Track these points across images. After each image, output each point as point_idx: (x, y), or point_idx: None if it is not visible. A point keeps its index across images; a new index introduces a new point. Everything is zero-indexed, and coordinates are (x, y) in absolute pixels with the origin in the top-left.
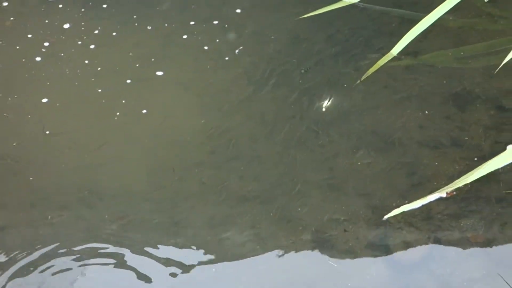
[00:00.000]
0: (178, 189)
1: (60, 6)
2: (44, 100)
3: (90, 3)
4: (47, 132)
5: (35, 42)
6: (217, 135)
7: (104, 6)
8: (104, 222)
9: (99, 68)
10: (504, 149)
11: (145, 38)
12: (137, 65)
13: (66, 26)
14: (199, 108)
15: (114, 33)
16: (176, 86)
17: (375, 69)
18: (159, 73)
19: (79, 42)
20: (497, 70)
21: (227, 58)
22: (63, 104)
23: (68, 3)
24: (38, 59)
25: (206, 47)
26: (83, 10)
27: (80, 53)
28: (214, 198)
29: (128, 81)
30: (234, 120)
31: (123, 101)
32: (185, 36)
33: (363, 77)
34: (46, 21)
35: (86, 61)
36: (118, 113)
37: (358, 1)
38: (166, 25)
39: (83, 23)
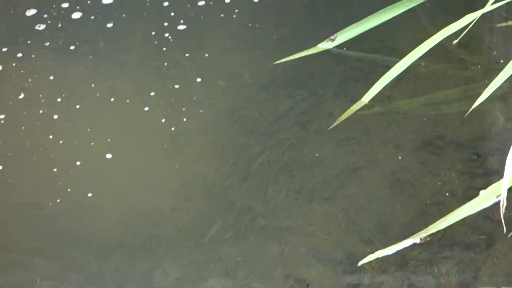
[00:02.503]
0: (153, 235)
1: None
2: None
3: None
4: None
5: None
6: (192, 180)
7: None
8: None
9: (56, 117)
10: (477, 194)
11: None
12: (111, 105)
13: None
14: (172, 154)
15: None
16: (152, 129)
17: (346, 116)
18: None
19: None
20: (466, 114)
21: (201, 101)
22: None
23: None
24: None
25: (181, 88)
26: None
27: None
28: (190, 245)
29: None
30: (209, 165)
31: (91, 145)
32: (159, 79)
33: (335, 124)
34: None
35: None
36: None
37: (331, 47)
38: (140, 67)
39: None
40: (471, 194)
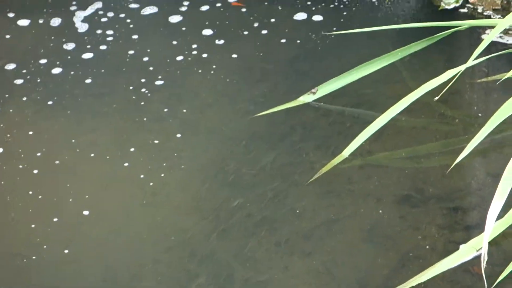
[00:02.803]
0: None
1: None
2: None
3: None
4: None
5: None
6: (173, 233)
7: None
8: None
9: (35, 171)
10: (457, 248)
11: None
12: (91, 160)
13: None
14: (154, 207)
15: None
16: (132, 184)
17: (327, 169)
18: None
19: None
20: (449, 170)
21: (182, 156)
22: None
23: None
24: None
25: (161, 143)
26: None
27: None
28: None
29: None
30: (189, 219)
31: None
32: (139, 135)
33: (315, 177)
34: None
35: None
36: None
37: (312, 101)
38: (120, 122)
39: None
40: (451, 248)
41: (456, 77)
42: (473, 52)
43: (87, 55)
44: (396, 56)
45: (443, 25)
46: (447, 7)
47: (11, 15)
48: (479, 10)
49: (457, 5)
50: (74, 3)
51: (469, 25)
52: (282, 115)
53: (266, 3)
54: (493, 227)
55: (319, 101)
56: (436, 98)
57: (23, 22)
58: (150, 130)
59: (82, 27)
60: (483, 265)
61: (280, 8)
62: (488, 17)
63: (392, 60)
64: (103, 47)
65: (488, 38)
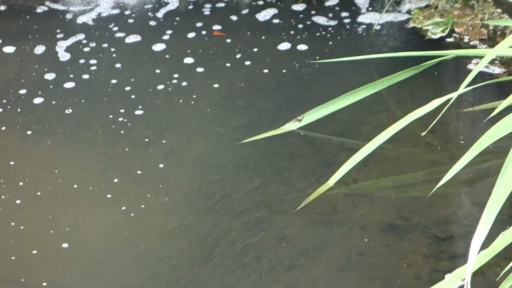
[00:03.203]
0: None
1: None
2: None
3: None
4: None
5: None
6: (157, 260)
7: None
8: None
9: (18, 201)
10: (443, 277)
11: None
12: (73, 190)
13: None
14: (139, 233)
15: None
16: (117, 210)
17: (313, 198)
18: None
19: None
20: (430, 194)
21: (166, 183)
22: None
23: None
24: None
25: (145, 172)
26: None
27: None
28: None
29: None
30: (174, 246)
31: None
32: (125, 164)
33: (301, 205)
34: None
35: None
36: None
37: (297, 128)
38: (105, 150)
39: None
40: (437, 277)
41: (447, 106)
42: (460, 81)
43: (69, 84)
44: (382, 84)
45: (430, 55)
46: (433, 36)
47: None
48: (465, 40)
49: (443, 34)
50: (58, 31)
51: (456, 54)
52: (268, 143)
53: (248, 33)
54: (478, 257)
55: (305, 129)
56: (424, 133)
57: (9, 49)
58: (134, 158)
59: (64, 56)
60: None
61: (263, 38)
62: (475, 46)
63: (378, 89)
64: (85, 76)
65: (477, 67)
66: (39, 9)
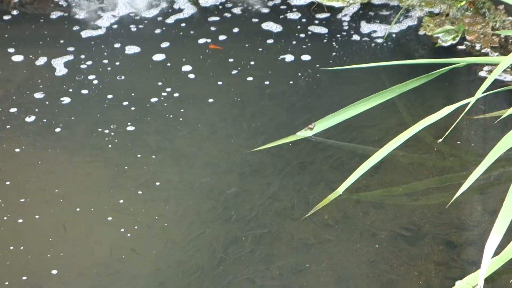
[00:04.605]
0: None
1: None
2: None
3: None
4: None
5: None
6: (167, 266)
7: None
8: None
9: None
10: (453, 284)
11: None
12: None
13: None
14: (148, 240)
15: None
16: (126, 217)
17: (323, 205)
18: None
19: None
20: (447, 206)
21: (177, 189)
22: None
23: None
24: None
25: (157, 182)
26: None
27: None
28: None
29: (78, 209)
30: (184, 252)
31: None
32: (138, 172)
33: (311, 212)
34: None
35: None
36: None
37: (311, 136)
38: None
39: None
40: (448, 284)
41: (464, 112)
42: (471, 88)
43: (66, 100)
44: (394, 92)
45: (441, 62)
46: (444, 44)
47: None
48: (477, 48)
49: (454, 42)
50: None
51: (467, 62)
52: (279, 150)
53: (246, 45)
54: (489, 264)
55: (316, 136)
56: (440, 140)
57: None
58: (147, 162)
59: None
60: None
61: (270, 47)
62: (486, 54)
63: (389, 96)
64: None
65: (493, 74)
66: (53, 15)
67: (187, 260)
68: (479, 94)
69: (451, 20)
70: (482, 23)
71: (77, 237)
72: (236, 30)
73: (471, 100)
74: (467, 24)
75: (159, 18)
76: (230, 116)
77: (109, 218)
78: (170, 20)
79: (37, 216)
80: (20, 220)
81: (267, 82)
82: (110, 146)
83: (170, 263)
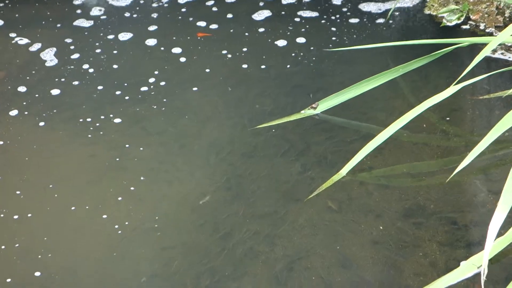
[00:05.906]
0: None
1: None
2: None
3: None
4: None
5: None
6: (171, 248)
7: None
8: None
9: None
10: (458, 265)
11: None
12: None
13: None
14: (153, 221)
15: None
16: (130, 199)
17: (326, 186)
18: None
19: None
20: (447, 180)
21: (180, 171)
22: None
23: None
24: None
25: (160, 163)
26: None
27: None
28: None
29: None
30: (188, 232)
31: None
32: (141, 149)
33: (314, 193)
34: None
35: None
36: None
37: (316, 114)
38: (119, 137)
39: None
40: (452, 265)
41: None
42: (475, 68)
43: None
44: (397, 72)
45: (445, 42)
46: (448, 23)
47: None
48: (481, 27)
49: (459, 22)
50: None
51: (471, 42)
52: (283, 130)
53: (247, 34)
54: (494, 245)
55: (319, 116)
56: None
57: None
58: (152, 143)
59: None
60: (483, 279)
61: (265, 35)
62: (490, 34)
63: (393, 76)
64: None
65: (482, 53)
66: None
67: (192, 240)
68: (468, 70)
69: (456, 0)
70: (486, 2)
71: (83, 216)
72: (229, 16)
73: (464, 83)
74: (471, 3)
75: (154, 5)
76: (231, 96)
77: (119, 198)
78: (166, 5)
79: (29, 215)
80: (16, 217)
81: (263, 66)
82: (113, 128)
83: (175, 243)
